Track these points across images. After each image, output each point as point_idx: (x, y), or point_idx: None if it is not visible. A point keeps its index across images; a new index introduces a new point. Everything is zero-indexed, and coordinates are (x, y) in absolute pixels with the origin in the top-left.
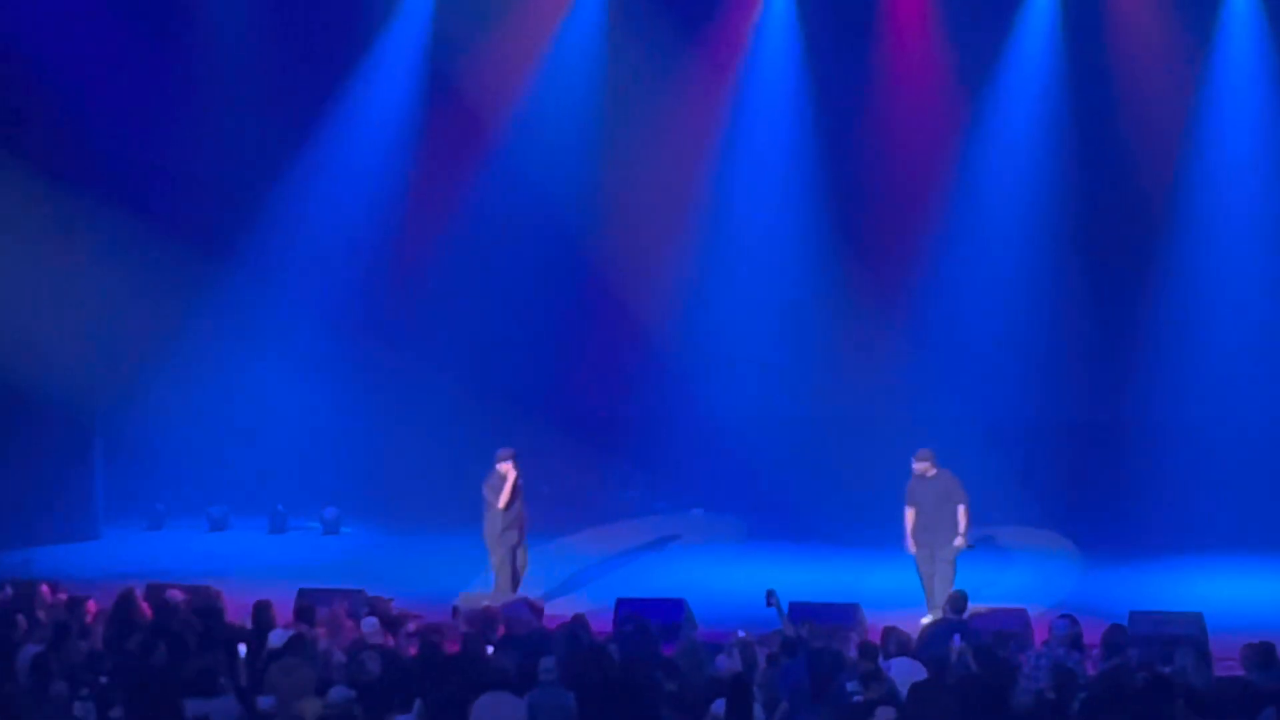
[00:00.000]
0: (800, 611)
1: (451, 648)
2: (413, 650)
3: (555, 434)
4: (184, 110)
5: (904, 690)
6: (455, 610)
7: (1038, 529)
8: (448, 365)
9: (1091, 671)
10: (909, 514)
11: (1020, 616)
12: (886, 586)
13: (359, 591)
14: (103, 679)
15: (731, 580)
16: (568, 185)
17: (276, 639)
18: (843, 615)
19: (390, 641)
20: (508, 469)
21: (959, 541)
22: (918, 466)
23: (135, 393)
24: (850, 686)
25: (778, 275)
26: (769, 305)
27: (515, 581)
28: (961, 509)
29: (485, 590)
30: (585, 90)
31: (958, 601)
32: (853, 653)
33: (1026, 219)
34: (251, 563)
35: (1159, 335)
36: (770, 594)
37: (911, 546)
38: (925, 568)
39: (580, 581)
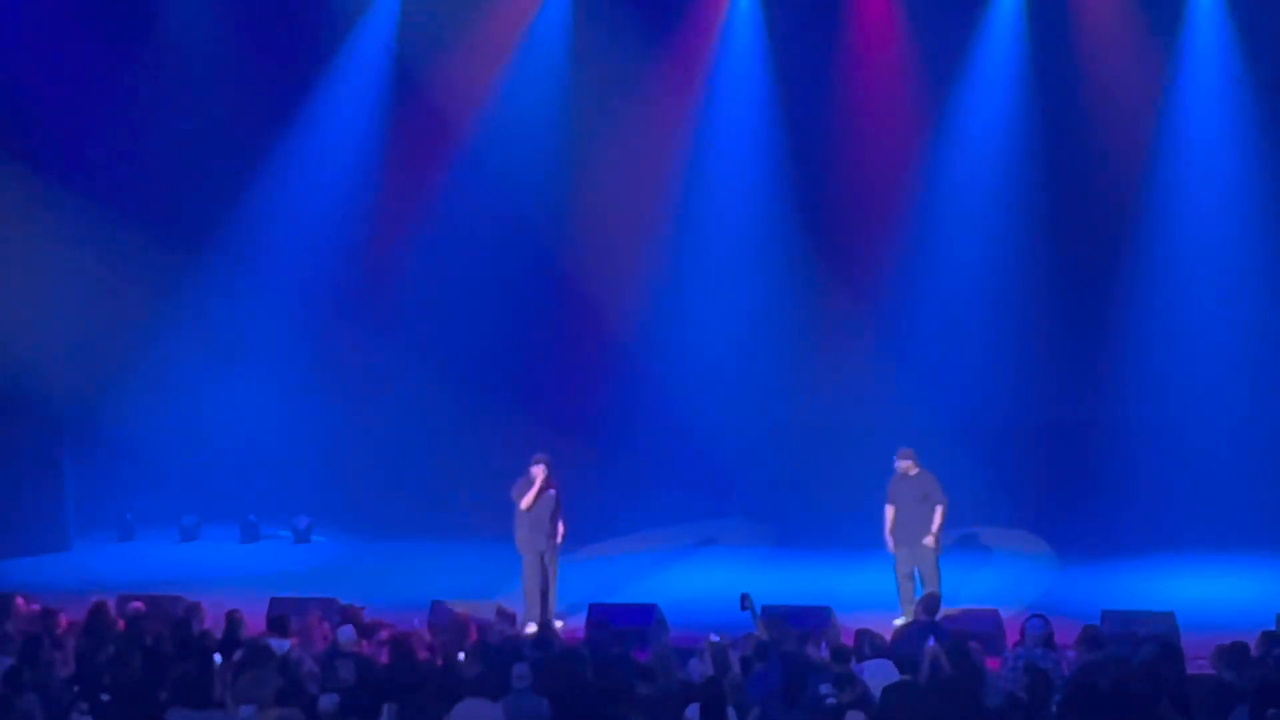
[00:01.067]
0: (772, 615)
1: (423, 655)
2: (384, 658)
3: (526, 440)
4: (154, 110)
5: (877, 692)
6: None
7: (1013, 529)
8: (418, 371)
9: (1065, 671)
10: (889, 512)
11: (993, 618)
12: (861, 589)
13: (331, 600)
14: (75, 688)
15: (705, 585)
16: (536, 187)
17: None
18: (815, 618)
19: (364, 649)
20: (538, 472)
21: (928, 540)
22: (900, 465)
23: (104, 402)
24: (824, 689)
25: (746, 277)
26: (738, 308)
27: (542, 590)
28: (939, 509)
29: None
30: (553, 91)
31: (930, 603)
32: (825, 655)
33: (995, 219)
34: (223, 572)
35: (1129, 335)
36: (745, 597)
37: (891, 544)
38: (903, 568)
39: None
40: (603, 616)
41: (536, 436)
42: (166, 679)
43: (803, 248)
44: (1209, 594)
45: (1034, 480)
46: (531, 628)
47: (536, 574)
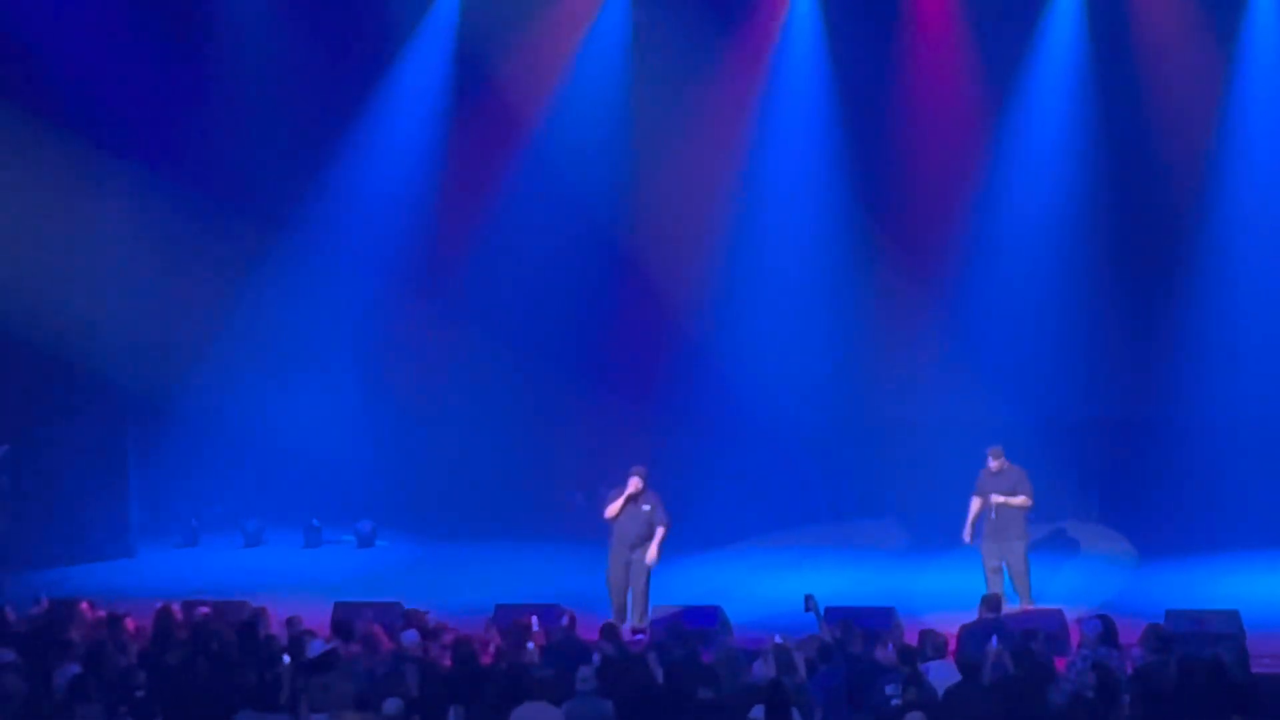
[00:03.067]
0: (837, 615)
1: (487, 658)
2: (447, 662)
3: (590, 442)
4: (222, 105)
5: (941, 693)
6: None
7: (1097, 525)
8: (481, 373)
9: (1130, 670)
10: (974, 504)
11: (1057, 617)
12: (928, 588)
13: (395, 604)
14: (139, 693)
15: (770, 586)
16: (601, 187)
17: (313, 652)
18: (879, 619)
19: (428, 653)
20: (632, 484)
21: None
22: (993, 464)
23: (168, 406)
24: (889, 690)
25: (814, 275)
26: (800, 306)
27: (622, 600)
28: (1024, 498)
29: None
30: (614, 89)
31: (994, 602)
32: (890, 656)
33: (1057, 217)
34: (287, 577)
35: (1194, 333)
36: (809, 598)
37: (968, 535)
38: (991, 561)
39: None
40: (668, 619)
41: (602, 438)
42: (232, 684)
43: (867, 245)
44: (1274, 592)
45: (1098, 478)
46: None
47: (621, 583)
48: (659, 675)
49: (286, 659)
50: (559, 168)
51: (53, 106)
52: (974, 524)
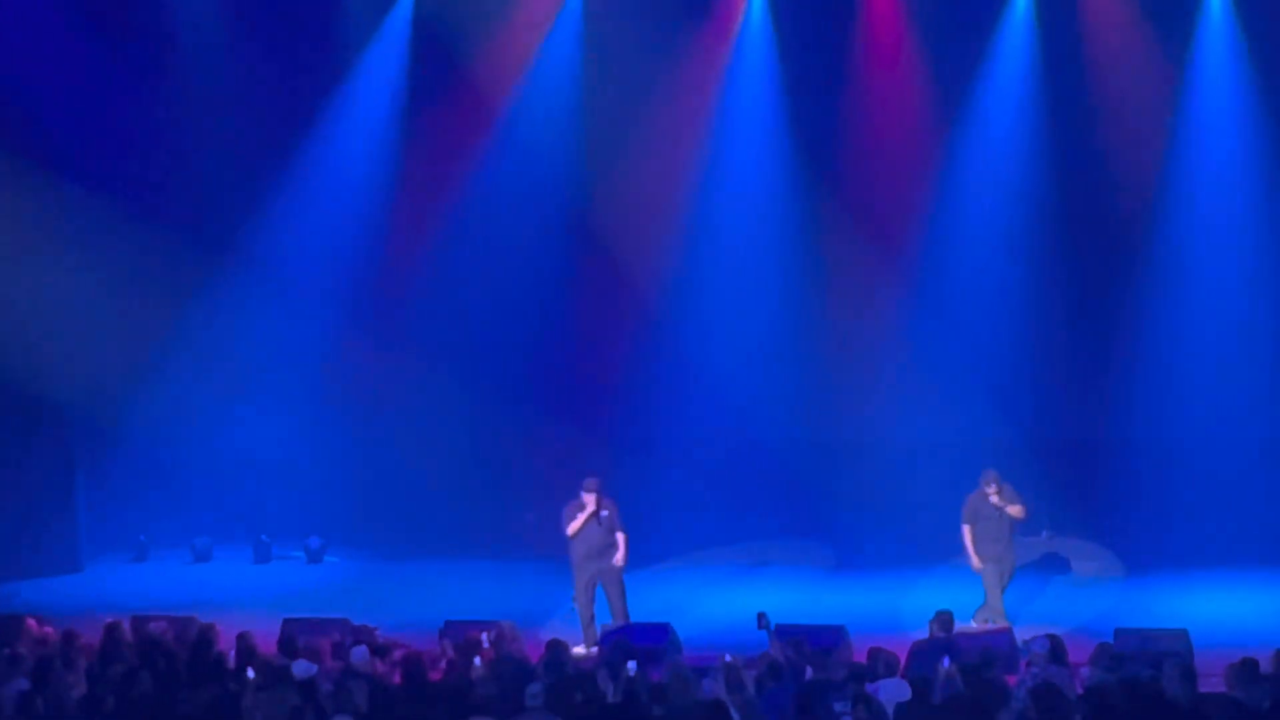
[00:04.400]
0: (787, 634)
1: (436, 675)
2: (396, 678)
3: (543, 458)
4: (170, 118)
5: (891, 711)
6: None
7: (1047, 544)
8: (430, 390)
9: (1079, 689)
10: (967, 531)
11: (1007, 637)
12: (879, 607)
13: (344, 620)
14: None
15: (719, 603)
16: (556, 198)
17: (300, 672)
18: (830, 637)
19: (377, 670)
20: (588, 498)
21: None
22: (988, 487)
23: (117, 422)
24: (839, 708)
25: (760, 289)
26: (752, 319)
27: (590, 617)
28: (1019, 508)
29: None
30: (570, 99)
31: (945, 621)
32: (841, 674)
33: (1006, 230)
34: (236, 593)
35: (1140, 352)
36: (761, 616)
37: (976, 563)
38: (995, 580)
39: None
40: (618, 636)
41: (554, 454)
42: (181, 700)
43: (819, 261)
44: (1223, 611)
45: (1046, 498)
46: (580, 649)
47: (590, 599)
48: (609, 692)
49: (250, 673)
50: (510, 181)
51: None
52: (977, 549)
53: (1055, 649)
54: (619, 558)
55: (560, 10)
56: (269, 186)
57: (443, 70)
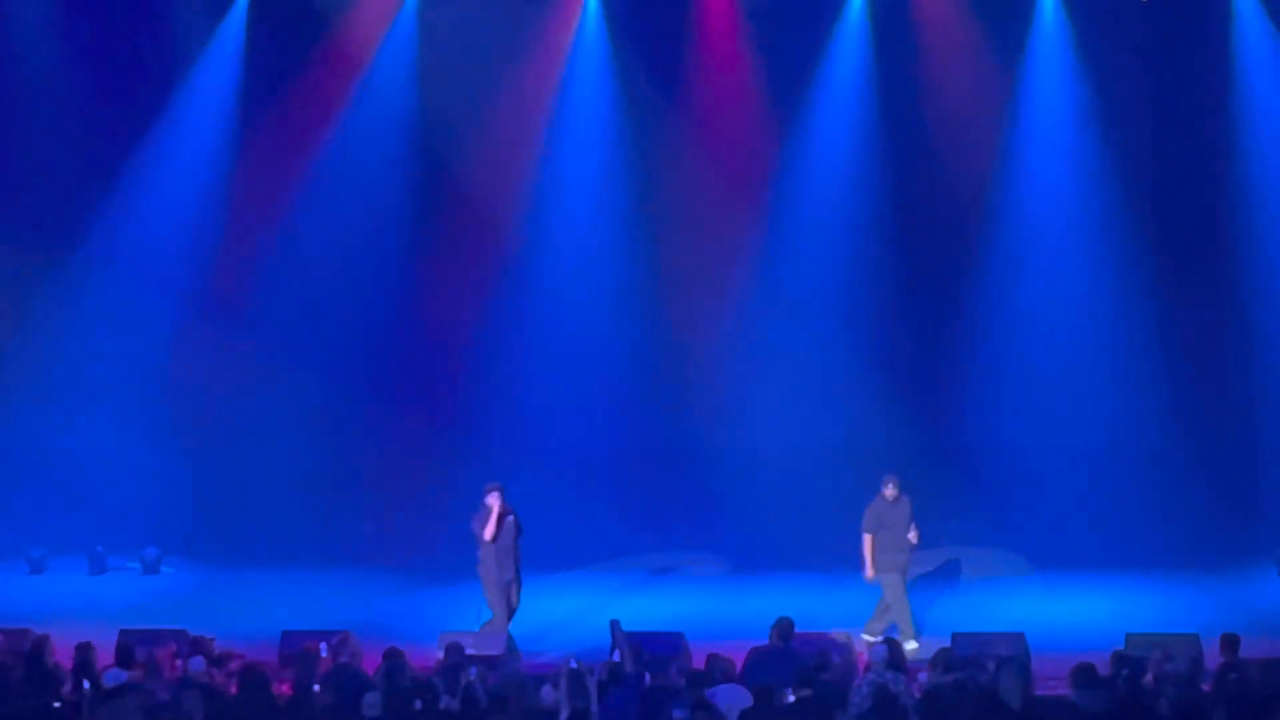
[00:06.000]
0: (630, 641)
1: (275, 686)
2: (233, 689)
3: (380, 464)
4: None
5: (731, 718)
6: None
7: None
8: (267, 399)
9: (916, 694)
10: (868, 539)
11: (844, 642)
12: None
13: (181, 631)
14: None
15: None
16: (390, 196)
17: (110, 680)
18: (668, 644)
19: (214, 680)
20: (492, 501)
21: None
22: (889, 492)
23: None
24: (677, 714)
25: (600, 290)
26: (596, 324)
27: (509, 617)
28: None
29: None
30: (406, 101)
31: (784, 629)
32: (679, 681)
33: (843, 228)
34: (71, 605)
35: (974, 355)
36: (614, 624)
37: (870, 572)
38: (901, 591)
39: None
40: (455, 644)
41: (393, 463)
42: (16, 712)
43: (654, 267)
44: (1059, 614)
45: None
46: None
47: (504, 606)
48: (446, 701)
49: (87, 685)
50: (349, 183)
51: None
52: (877, 557)
53: (893, 654)
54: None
55: (399, 11)
56: (102, 190)
57: (279, 72)
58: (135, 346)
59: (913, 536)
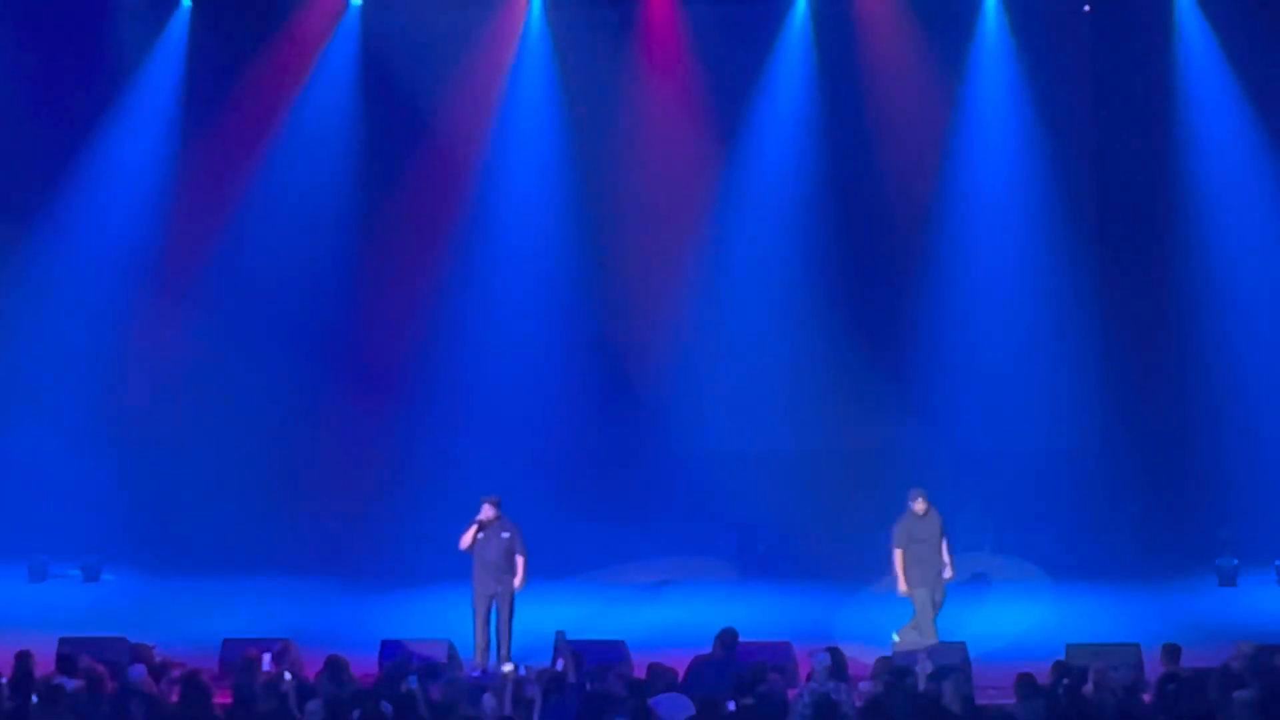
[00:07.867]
0: (571, 648)
1: (216, 694)
2: (174, 698)
3: (325, 474)
4: None
5: None
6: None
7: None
8: (211, 403)
9: (858, 703)
10: (899, 554)
11: (785, 650)
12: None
13: (121, 639)
14: None
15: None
16: (337, 201)
17: (51, 688)
18: (609, 652)
19: (155, 689)
20: (484, 512)
21: (948, 573)
22: (918, 507)
23: None
24: None
25: (547, 289)
26: (538, 321)
27: (485, 636)
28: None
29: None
30: (346, 111)
31: (726, 640)
32: (619, 689)
33: (787, 238)
34: (11, 612)
35: (929, 359)
36: (559, 635)
37: (904, 588)
38: (928, 604)
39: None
40: (396, 652)
41: (339, 471)
42: None
43: (599, 271)
44: (1001, 624)
45: (812, 510)
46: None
47: (484, 619)
48: (387, 710)
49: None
50: (291, 189)
51: None
52: (907, 571)
53: (836, 663)
54: (517, 581)
55: (342, 17)
56: (41, 194)
57: (225, 71)
58: (73, 352)
59: (948, 574)
